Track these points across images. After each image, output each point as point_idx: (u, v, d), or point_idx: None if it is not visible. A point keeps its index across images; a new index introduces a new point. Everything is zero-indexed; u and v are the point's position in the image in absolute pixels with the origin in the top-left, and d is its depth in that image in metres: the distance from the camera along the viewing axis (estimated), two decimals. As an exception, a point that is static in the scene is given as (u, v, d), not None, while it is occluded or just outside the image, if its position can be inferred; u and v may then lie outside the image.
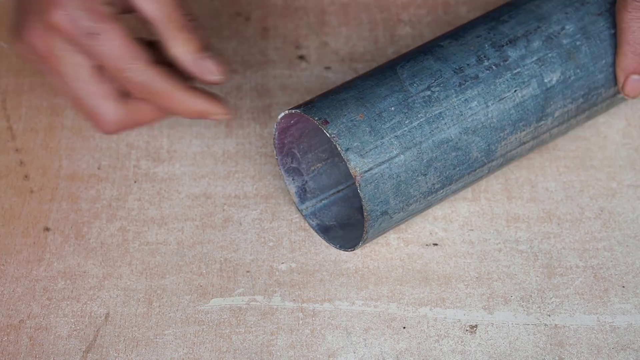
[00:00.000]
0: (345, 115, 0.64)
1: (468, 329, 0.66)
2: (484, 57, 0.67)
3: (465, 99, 0.65)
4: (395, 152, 0.64)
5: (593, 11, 0.69)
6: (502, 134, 0.66)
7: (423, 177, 0.65)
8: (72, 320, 0.66)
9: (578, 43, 0.68)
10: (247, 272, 0.68)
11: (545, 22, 0.69)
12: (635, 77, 0.68)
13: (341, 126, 0.63)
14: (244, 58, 0.80)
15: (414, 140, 0.64)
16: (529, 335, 0.65)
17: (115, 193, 0.72)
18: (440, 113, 0.65)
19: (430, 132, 0.64)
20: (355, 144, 0.63)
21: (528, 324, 0.66)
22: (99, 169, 0.73)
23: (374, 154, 0.63)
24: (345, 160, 0.63)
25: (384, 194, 0.64)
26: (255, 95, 0.78)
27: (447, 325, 0.66)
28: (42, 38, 0.62)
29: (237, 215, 0.71)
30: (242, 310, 0.67)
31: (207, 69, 0.64)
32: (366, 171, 0.63)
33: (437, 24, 0.82)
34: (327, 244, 0.69)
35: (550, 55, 0.68)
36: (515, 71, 0.67)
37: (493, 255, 0.69)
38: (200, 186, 0.73)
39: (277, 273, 0.68)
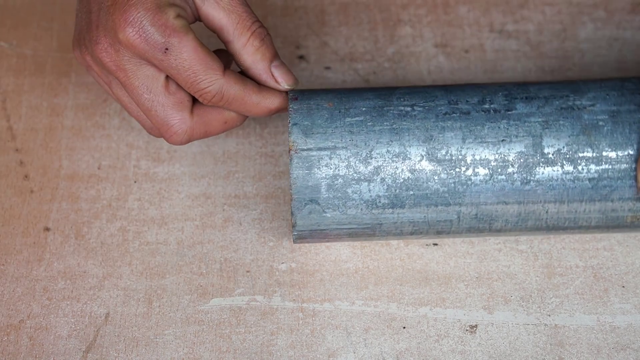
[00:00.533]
0: (317, 100, 0.64)
1: (468, 329, 0.66)
2: (489, 100, 0.64)
3: (443, 127, 0.63)
4: (341, 145, 0.63)
5: (638, 102, 0.64)
6: (473, 178, 0.63)
7: (366, 183, 0.63)
8: (72, 320, 0.66)
9: (601, 123, 0.63)
10: (247, 272, 0.68)
11: (579, 94, 0.64)
12: None
13: (304, 106, 0.64)
14: (244, 58, 0.80)
15: (368, 142, 0.63)
16: (529, 335, 0.65)
17: (115, 193, 0.72)
18: (407, 128, 0.63)
19: (387, 142, 0.63)
20: (305, 122, 0.63)
21: (528, 324, 0.66)
22: (99, 169, 0.73)
23: (319, 137, 0.63)
24: (288, 133, 0.62)
25: (315, 180, 0.63)
26: (255, 95, 0.78)
27: (447, 325, 0.66)
28: (111, 53, 0.62)
29: (237, 215, 0.71)
30: (242, 310, 0.67)
31: (279, 78, 0.65)
32: (303, 149, 0.63)
33: (437, 24, 0.82)
34: (327, 244, 0.69)
35: (561, 122, 0.63)
36: (512, 122, 0.63)
37: (493, 255, 0.69)
38: (200, 186, 0.73)
39: (277, 273, 0.68)
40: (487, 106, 0.64)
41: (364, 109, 0.64)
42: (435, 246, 0.70)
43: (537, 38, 0.81)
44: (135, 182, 0.73)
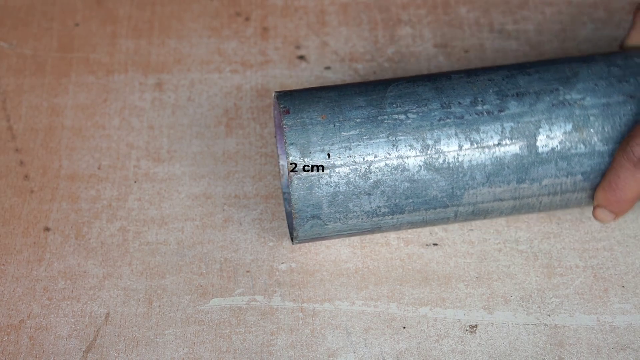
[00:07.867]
0: (309, 111, 0.63)
1: (468, 329, 0.66)
2: (481, 101, 0.64)
3: (438, 135, 0.63)
4: (339, 162, 0.63)
5: (627, 91, 0.65)
6: (471, 182, 0.64)
7: (367, 197, 0.63)
8: (72, 320, 0.66)
9: (592, 118, 0.64)
10: (247, 272, 0.68)
11: (568, 87, 0.64)
12: (601, 209, 0.66)
13: (298, 120, 0.63)
14: (244, 58, 0.80)
15: (366, 158, 0.63)
16: (529, 335, 0.65)
17: (115, 193, 0.72)
18: (404, 139, 0.63)
19: (385, 155, 0.63)
20: (301, 141, 0.62)
21: (528, 324, 0.66)
22: (99, 169, 0.73)
23: (317, 156, 0.62)
24: (286, 153, 0.62)
25: (316, 198, 0.63)
26: (255, 95, 0.78)
27: (447, 325, 0.66)
28: None
29: (237, 215, 0.71)
30: (242, 310, 0.67)
31: None
32: (302, 170, 0.62)
33: (437, 24, 0.82)
34: (327, 244, 0.69)
35: (553, 120, 0.64)
36: (506, 124, 0.63)
37: (493, 255, 0.69)
38: (200, 186, 0.73)
39: (277, 273, 0.68)
40: (479, 108, 0.64)
41: (358, 120, 0.63)
42: (435, 246, 0.70)
43: (537, 38, 0.81)
44: (135, 182, 0.73)
